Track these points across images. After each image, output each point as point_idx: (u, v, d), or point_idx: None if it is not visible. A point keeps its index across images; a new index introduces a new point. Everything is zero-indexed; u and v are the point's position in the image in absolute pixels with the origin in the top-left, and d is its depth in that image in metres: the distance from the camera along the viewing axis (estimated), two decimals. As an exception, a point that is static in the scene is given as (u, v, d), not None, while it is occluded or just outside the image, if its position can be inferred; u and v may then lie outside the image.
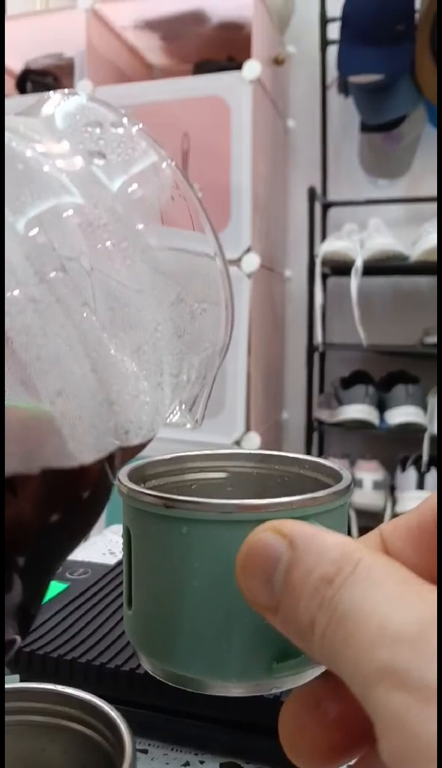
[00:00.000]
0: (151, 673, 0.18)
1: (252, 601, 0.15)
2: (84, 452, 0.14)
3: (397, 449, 1.36)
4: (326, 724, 0.15)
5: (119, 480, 0.19)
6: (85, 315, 0.14)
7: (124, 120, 0.17)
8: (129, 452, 0.16)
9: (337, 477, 0.19)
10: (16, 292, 0.13)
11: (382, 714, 0.11)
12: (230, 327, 0.19)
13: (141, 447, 0.17)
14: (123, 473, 0.19)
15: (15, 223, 0.13)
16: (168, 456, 0.22)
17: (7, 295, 0.13)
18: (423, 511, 0.16)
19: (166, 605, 0.17)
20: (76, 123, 0.16)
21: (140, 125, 0.17)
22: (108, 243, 0.15)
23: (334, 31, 1.39)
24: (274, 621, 0.14)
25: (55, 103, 0.16)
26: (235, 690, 0.17)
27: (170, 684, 0.18)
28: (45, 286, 0.13)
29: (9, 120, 0.15)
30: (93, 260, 0.14)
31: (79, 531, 0.15)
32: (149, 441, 0.17)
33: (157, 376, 0.16)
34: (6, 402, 0.13)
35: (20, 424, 0.14)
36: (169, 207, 0.17)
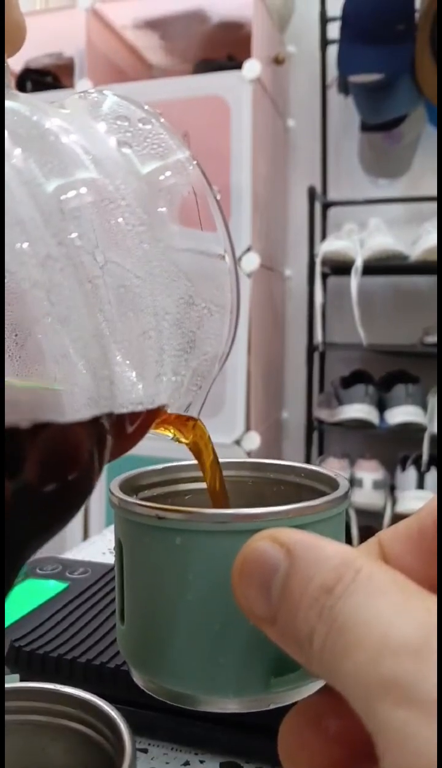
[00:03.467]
0: (145, 689, 0.18)
1: (249, 611, 0.14)
2: (78, 417, 0.14)
3: (397, 449, 1.36)
4: (327, 741, 0.15)
5: (111, 491, 0.18)
6: (95, 288, 0.14)
7: (154, 119, 0.17)
8: (120, 442, 0.16)
9: (334, 484, 0.19)
10: (25, 245, 0.13)
11: (384, 731, 0.11)
12: (233, 336, 0.19)
13: (131, 436, 0.16)
14: (115, 484, 0.19)
15: (46, 185, 0.14)
16: (161, 466, 0.21)
17: (17, 246, 0.13)
18: (423, 517, 0.16)
19: (160, 619, 0.17)
20: (106, 116, 0.17)
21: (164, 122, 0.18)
22: (123, 222, 0.15)
23: (334, 30, 1.39)
24: (271, 632, 0.14)
25: (94, 96, 0.18)
26: (231, 706, 0.17)
27: (165, 701, 0.18)
28: (63, 249, 0.14)
29: (43, 103, 0.16)
30: (107, 238, 0.15)
31: (59, 516, 0.15)
32: (140, 431, 0.16)
33: (159, 367, 0.16)
34: (10, 380, 0.13)
35: (24, 389, 0.14)
36: (187, 207, 0.17)
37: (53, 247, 0.13)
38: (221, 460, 0.22)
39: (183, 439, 0.20)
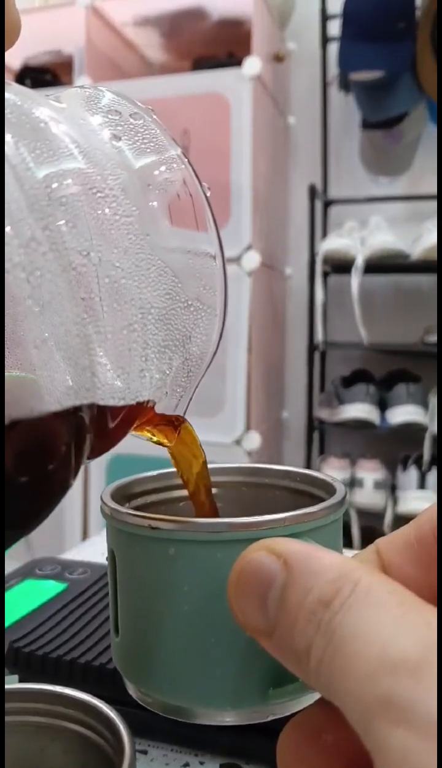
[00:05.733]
0: (140, 702, 0.18)
1: (245, 624, 0.14)
2: (56, 406, 0.14)
3: (398, 448, 1.36)
4: (326, 755, 0.15)
5: (102, 500, 0.18)
6: (80, 276, 0.14)
7: (146, 115, 0.17)
8: (101, 439, 0.16)
9: (330, 489, 0.18)
10: (8, 229, 0.13)
11: (383, 750, 0.10)
12: (219, 337, 0.18)
13: (112, 433, 0.16)
14: (106, 492, 0.19)
15: (33, 170, 0.14)
16: (155, 472, 0.21)
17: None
18: (421, 524, 0.15)
19: (155, 631, 0.17)
20: (99, 109, 0.17)
21: (156, 119, 0.18)
22: (110, 213, 0.15)
23: (334, 27, 1.39)
24: (268, 645, 0.14)
25: (90, 91, 0.18)
26: (229, 718, 0.17)
27: (161, 714, 0.17)
28: (48, 234, 0.13)
29: (34, 93, 0.16)
30: (94, 228, 0.15)
31: (32, 511, 0.15)
32: (122, 428, 0.16)
33: (143, 362, 0.16)
34: None
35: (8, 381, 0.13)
36: (177, 204, 0.17)
37: (37, 230, 0.13)
38: (215, 465, 0.21)
39: (165, 442, 0.19)
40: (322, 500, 0.17)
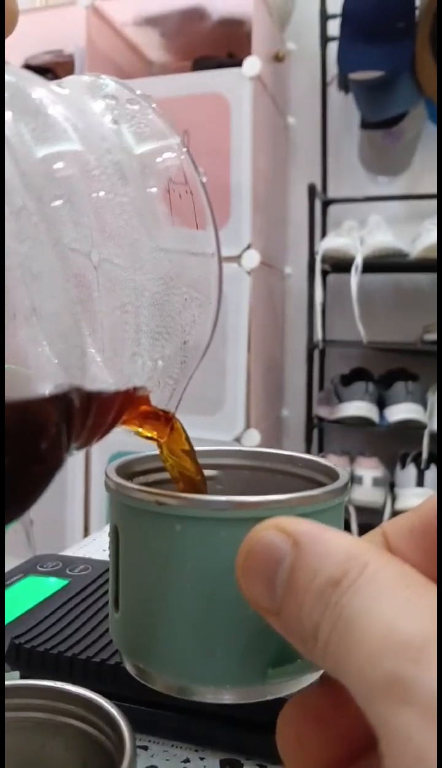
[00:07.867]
0: (137, 678, 0.18)
1: (253, 603, 0.14)
2: (44, 387, 0.14)
3: (397, 446, 1.36)
4: (327, 740, 0.15)
5: (107, 475, 0.18)
6: (72, 252, 0.14)
7: (143, 101, 0.18)
8: (91, 425, 0.15)
9: (332, 475, 0.19)
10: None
11: (387, 730, 0.11)
12: (213, 330, 0.18)
13: (103, 419, 0.16)
14: (111, 468, 0.19)
15: (27, 144, 0.13)
16: (156, 452, 0.21)
17: None
18: (424, 512, 0.15)
19: (156, 608, 0.16)
20: (98, 95, 0.17)
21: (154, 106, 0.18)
22: (104, 193, 0.15)
23: (334, 27, 1.39)
24: (275, 624, 0.14)
25: (93, 79, 0.18)
26: (227, 696, 0.17)
27: (160, 691, 0.17)
28: (40, 206, 0.13)
29: (30, 74, 0.16)
30: (88, 206, 0.14)
31: (23, 491, 0.14)
32: (115, 416, 0.16)
33: (135, 345, 0.16)
34: None
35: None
36: (174, 192, 0.17)
37: (29, 201, 0.13)
38: (218, 448, 0.21)
39: (155, 436, 0.19)
40: (324, 485, 0.17)
